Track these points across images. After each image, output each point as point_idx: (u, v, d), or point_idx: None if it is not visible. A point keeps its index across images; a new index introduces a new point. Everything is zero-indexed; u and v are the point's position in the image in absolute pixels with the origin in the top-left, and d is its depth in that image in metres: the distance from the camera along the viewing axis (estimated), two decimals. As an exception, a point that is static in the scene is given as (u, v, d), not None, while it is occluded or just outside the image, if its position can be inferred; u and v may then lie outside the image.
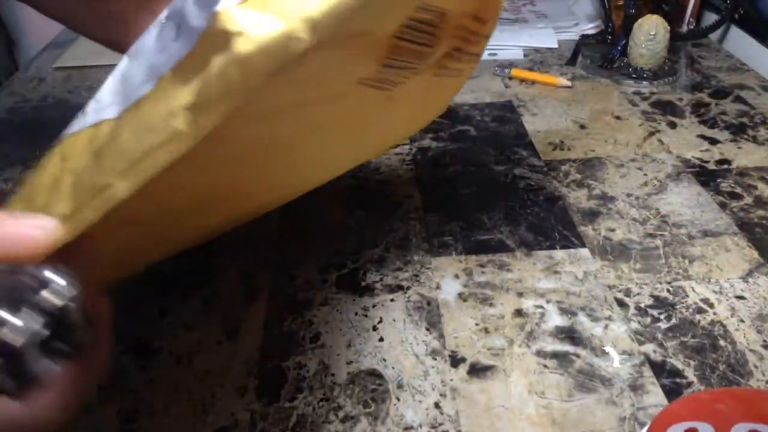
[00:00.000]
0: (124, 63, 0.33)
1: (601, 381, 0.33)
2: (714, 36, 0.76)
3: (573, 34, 0.76)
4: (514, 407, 0.32)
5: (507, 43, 0.74)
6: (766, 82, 0.64)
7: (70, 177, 0.32)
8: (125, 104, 0.31)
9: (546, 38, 0.75)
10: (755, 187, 0.48)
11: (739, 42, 0.72)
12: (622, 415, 0.31)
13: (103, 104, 0.33)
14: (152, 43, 0.32)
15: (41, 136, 0.58)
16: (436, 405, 0.32)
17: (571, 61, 0.69)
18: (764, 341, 0.35)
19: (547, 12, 0.82)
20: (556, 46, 0.73)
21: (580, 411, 0.31)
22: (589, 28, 0.77)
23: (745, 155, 0.52)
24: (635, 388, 0.32)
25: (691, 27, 0.75)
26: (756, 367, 0.33)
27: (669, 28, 0.63)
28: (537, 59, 0.71)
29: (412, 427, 0.31)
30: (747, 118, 0.57)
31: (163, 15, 0.32)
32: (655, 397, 0.32)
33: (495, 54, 0.71)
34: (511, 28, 0.77)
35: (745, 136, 0.54)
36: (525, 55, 0.72)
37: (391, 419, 0.32)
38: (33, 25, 1.15)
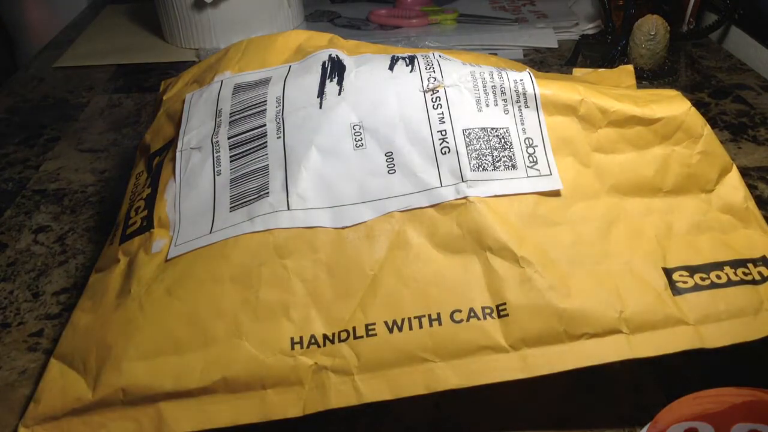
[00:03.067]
0: (315, 157, 0.33)
1: (601, 380, 0.33)
2: (714, 36, 0.76)
3: (573, 34, 0.76)
4: (512, 406, 0.32)
5: (507, 43, 0.74)
6: (766, 82, 0.64)
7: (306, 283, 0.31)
8: (339, 220, 0.31)
9: (546, 38, 0.75)
10: (755, 187, 0.48)
11: (739, 42, 0.72)
12: (622, 414, 0.31)
13: (307, 200, 0.32)
14: (353, 152, 0.32)
15: (41, 136, 0.58)
16: (436, 405, 0.32)
17: (571, 61, 0.69)
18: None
19: (547, 12, 0.82)
20: (556, 46, 0.73)
21: (579, 410, 0.31)
22: (589, 28, 0.77)
23: (745, 155, 0.52)
24: (635, 387, 0.32)
25: (691, 27, 0.75)
26: (756, 366, 0.33)
27: (669, 28, 0.63)
28: (537, 59, 0.71)
29: (412, 427, 0.31)
30: (747, 118, 0.57)
31: (348, 117, 0.32)
32: (655, 397, 0.32)
33: (495, 54, 0.71)
34: (511, 28, 0.77)
35: (745, 136, 0.54)
36: (525, 55, 0.72)
37: (391, 419, 0.32)
38: (33, 25, 1.15)
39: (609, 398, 0.32)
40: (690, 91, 0.63)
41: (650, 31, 0.62)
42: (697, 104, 0.60)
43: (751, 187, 0.48)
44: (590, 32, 0.75)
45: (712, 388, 0.26)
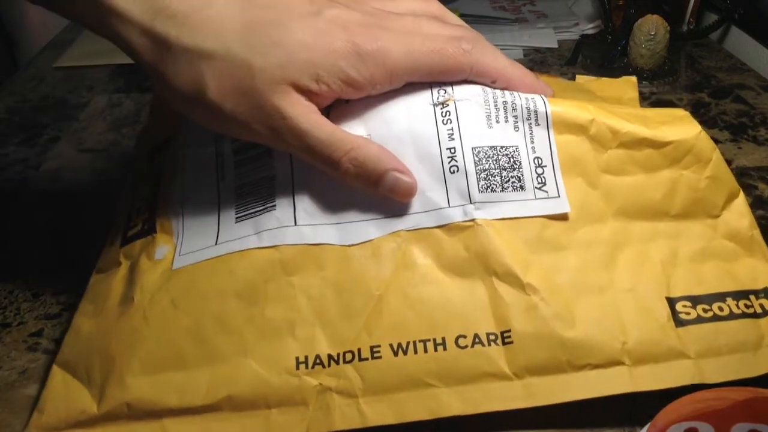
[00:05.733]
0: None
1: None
2: (714, 36, 0.76)
3: (573, 34, 0.76)
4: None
5: (507, 43, 0.74)
6: (766, 82, 0.64)
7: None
8: (346, 237, 0.31)
9: (546, 38, 0.75)
10: (755, 187, 0.48)
11: (739, 42, 0.72)
12: (621, 414, 0.31)
13: (314, 215, 0.32)
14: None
15: (41, 136, 0.58)
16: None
17: (571, 61, 0.69)
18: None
19: (547, 12, 0.82)
20: (556, 46, 0.73)
21: (579, 410, 0.31)
22: (589, 28, 0.77)
23: (745, 155, 0.52)
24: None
25: (691, 27, 0.75)
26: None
27: (669, 28, 0.63)
28: (537, 59, 0.71)
29: (411, 426, 0.31)
30: (747, 118, 0.57)
31: (357, 129, 0.32)
32: (655, 397, 0.32)
33: (495, 54, 0.71)
34: (511, 28, 0.77)
35: (745, 136, 0.54)
36: (525, 55, 0.72)
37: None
38: (33, 25, 1.15)
39: (608, 398, 0.32)
40: (690, 91, 0.63)
41: (650, 31, 0.62)
42: (697, 104, 0.60)
43: (752, 187, 0.48)
44: (590, 32, 0.75)
45: (712, 388, 0.26)
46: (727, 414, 0.25)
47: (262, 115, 0.28)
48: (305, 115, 0.28)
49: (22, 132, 0.59)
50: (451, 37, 0.31)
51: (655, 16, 0.62)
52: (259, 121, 0.28)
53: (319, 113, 0.29)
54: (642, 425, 0.31)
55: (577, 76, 0.50)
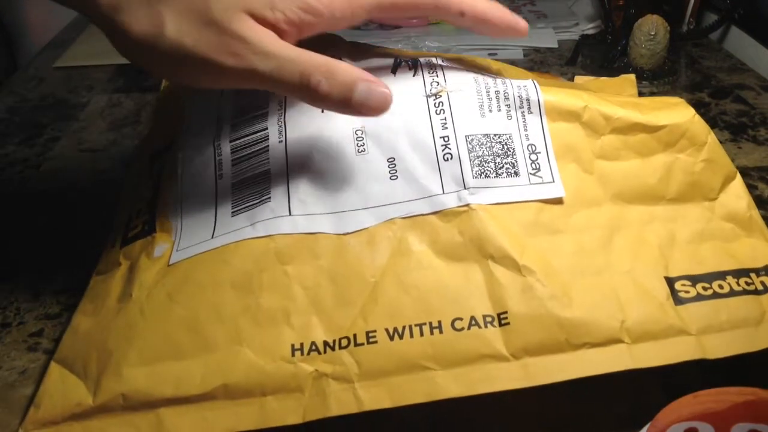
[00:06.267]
0: (317, 162, 0.33)
1: (600, 380, 0.33)
2: (714, 36, 0.76)
3: (573, 34, 0.76)
4: (512, 405, 0.32)
5: (507, 43, 0.74)
6: (766, 82, 0.64)
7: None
8: (341, 226, 0.31)
9: (546, 38, 0.75)
10: (755, 187, 0.48)
11: (739, 42, 0.72)
12: (622, 414, 0.31)
13: (309, 205, 0.32)
14: (355, 157, 0.32)
15: (41, 136, 0.58)
16: (435, 404, 0.32)
17: (571, 61, 0.69)
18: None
19: (547, 12, 0.82)
20: (556, 46, 0.73)
21: (579, 410, 0.31)
22: (589, 28, 0.77)
23: (745, 155, 0.52)
24: (635, 387, 0.32)
25: (691, 27, 0.75)
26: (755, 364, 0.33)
27: (669, 28, 0.63)
28: (537, 59, 0.71)
29: (411, 425, 0.31)
30: (747, 118, 0.57)
31: (350, 121, 0.32)
32: (655, 397, 0.32)
33: (495, 54, 0.71)
34: (511, 28, 0.77)
35: (745, 136, 0.54)
36: (525, 55, 0.72)
37: (389, 419, 0.32)
38: (33, 25, 1.15)
39: (609, 398, 0.32)
40: (690, 91, 0.63)
41: (650, 31, 0.62)
42: (697, 104, 0.60)
43: (751, 187, 0.48)
44: (590, 32, 0.75)
45: (712, 388, 0.26)
46: (727, 414, 0.25)
47: (223, 44, 0.28)
48: (267, 37, 0.28)
49: (22, 132, 0.59)
50: None
51: (655, 16, 0.62)
52: (222, 52, 0.28)
53: (281, 39, 0.28)
54: (642, 425, 0.31)
55: (575, 77, 0.50)
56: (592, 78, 0.49)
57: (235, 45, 0.28)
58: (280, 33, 0.28)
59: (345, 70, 0.29)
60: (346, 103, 0.29)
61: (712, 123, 0.56)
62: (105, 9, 0.28)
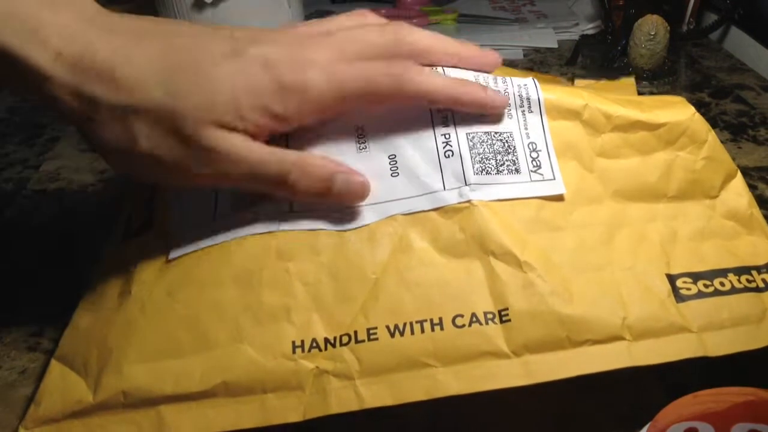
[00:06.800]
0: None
1: (601, 379, 0.33)
2: (714, 36, 0.76)
3: (573, 34, 0.76)
4: (513, 406, 0.32)
5: (507, 43, 0.74)
6: (766, 82, 0.64)
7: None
8: (342, 223, 0.31)
9: (546, 38, 0.75)
10: (755, 187, 0.48)
11: (739, 42, 0.72)
12: (622, 414, 0.31)
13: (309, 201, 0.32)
14: (356, 154, 0.32)
15: (41, 136, 0.58)
16: (435, 403, 0.32)
17: (571, 61, 0.69)
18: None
19: (547, 12, 0.82)
20: (556, 46, 0.73)
21: (579, 410, 0.31)
22: (589, 28, 0.77)
23: (745, 155, 0.52)
24: (635, 387, 0.32)
25: (691, 27, 0.75)
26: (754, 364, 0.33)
27: (669, 28, 0.63)
28: (537, 59, 0.71)
29: (410, 425, 0.31)
30: (747, 118, 0.57)
31: (352, 118, 0.32)
32: (655, 397, 0.32)
33: (495, 54, 0.71)
34: (511, 28, 0.77)
35: (745, 136, 0.54)
36: (525, 55, 0.72)
37: (390, 417, 0.31)
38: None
39: (609, 398, 0.32)
40: (690, 91, 0.63)
41: (650, 31, 0.62)
42: (697, 104, 0.60)
43: (751, 187, 0.48)
44: (590, 32, 0.75)
45: (712, 388, 0.26)
46: (727, 414, 0.25)
47: (196, 157, 0.28)
48: (239, 143, 0.28)
49: (22, 132, 0.59)
50: (380, 61, 0.30)
51: (655, 16, 0.62)
52: (196, 163, 0.29)
53: (251, 140, 0.29)
54: (642, 425, 0.31)
55: (575, 81, 0.50)
56: (591, 81, 0.49)
57: (208, 156, 0.28)
58: (252, 135, 0.29)
59: (320, 166, 0.30)
60: (326, 195, 0.30)
61: (712, 123, 0.56)
62: (77, 118, 0.28)
